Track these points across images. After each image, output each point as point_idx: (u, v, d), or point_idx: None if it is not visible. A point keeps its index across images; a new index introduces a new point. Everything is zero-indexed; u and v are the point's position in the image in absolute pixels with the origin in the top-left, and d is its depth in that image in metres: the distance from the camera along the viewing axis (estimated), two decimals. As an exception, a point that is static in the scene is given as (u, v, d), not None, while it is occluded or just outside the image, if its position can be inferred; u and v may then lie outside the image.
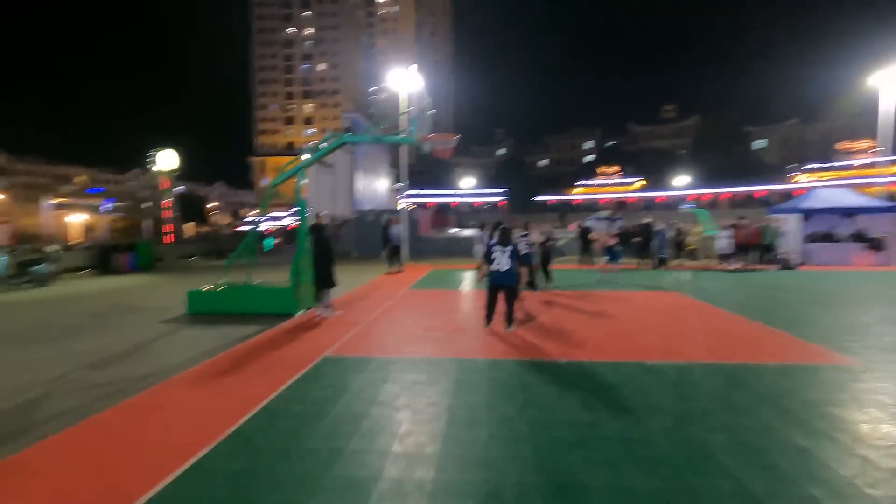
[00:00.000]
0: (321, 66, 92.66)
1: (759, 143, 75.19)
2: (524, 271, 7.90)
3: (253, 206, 69.90)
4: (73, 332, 6.88)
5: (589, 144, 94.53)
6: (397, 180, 26.28)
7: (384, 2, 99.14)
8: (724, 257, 14.73)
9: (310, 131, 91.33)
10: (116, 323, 7.50)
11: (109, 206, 38.64)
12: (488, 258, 6.33)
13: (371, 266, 14.94)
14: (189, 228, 39.25)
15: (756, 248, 15.19)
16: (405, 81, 17.68)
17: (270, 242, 26.56)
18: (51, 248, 13.50)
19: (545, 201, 67.46)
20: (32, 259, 12.51)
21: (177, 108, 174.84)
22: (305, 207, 8.29)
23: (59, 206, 31.76)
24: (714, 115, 74.32)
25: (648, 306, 8.52)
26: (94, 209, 37.53)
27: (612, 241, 11.43)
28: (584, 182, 70.30)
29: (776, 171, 63.45)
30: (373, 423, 3.59)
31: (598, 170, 70.38)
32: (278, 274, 9.78)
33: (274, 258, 18.28)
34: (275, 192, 9.52)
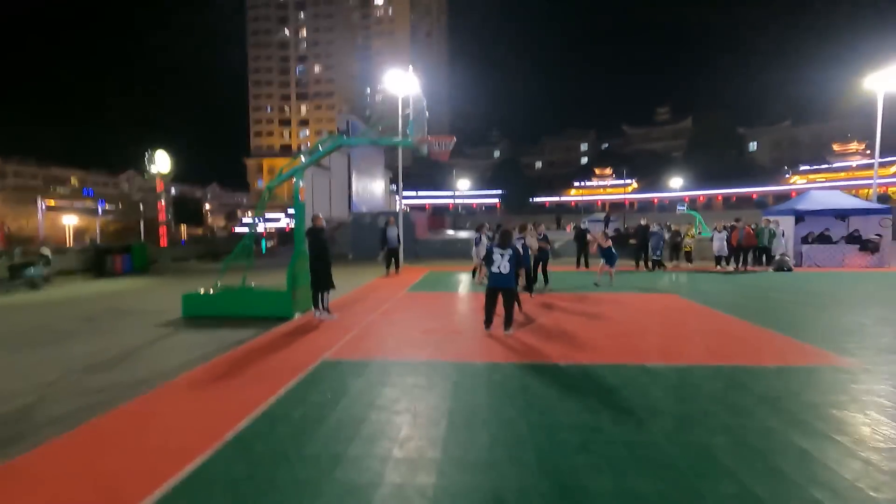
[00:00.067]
0: (316, 68, 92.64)
1: (753, 145, 75.82)
2: (522, 273, 7.89)
3: (249, 208, 69.65)
4: (68, 336, 6.79)
5: (584, 146, 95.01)
6: (393, 182, 26.26)
7: (379, 3, 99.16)
8: (719, 259, 14.80)
9: (305, 133, 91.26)
10: (111, 326, 7.41)
11: (101, 208, 38.31)
12: (488, 261, 6.31)
13: (368, 268, 14.89)
14: (184, 231, 39.01)
15: (752, 249, 15.27)
16: (401, 83, 17.66)
17: (264, 244, 26.44)
18: (43, 251, 13.35)
19: (541, 203, 67.62)
20: (25, 262, 12.37)
21: (172, 109, 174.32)
22: (303, 210, 8.25)
23: (52, 209, 31.46)
24: (708, 117, 74.93)
25: (646, 308, 8.54)
26: (87, 212, 37.23)
27: (608, 243, 11.43)
28: (579, 184, 70.59)
29: (770, 173, 63.98)
30: (373, 427, 3.56)
31: (596, 171, 70.71)
32: (275, 277, 9.72)
33: (271, 260, 18.19)
34: (271, 195, 9.47)
